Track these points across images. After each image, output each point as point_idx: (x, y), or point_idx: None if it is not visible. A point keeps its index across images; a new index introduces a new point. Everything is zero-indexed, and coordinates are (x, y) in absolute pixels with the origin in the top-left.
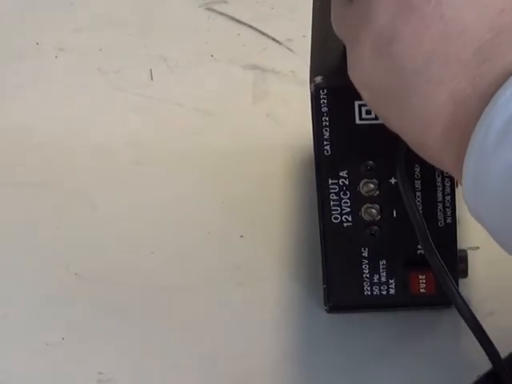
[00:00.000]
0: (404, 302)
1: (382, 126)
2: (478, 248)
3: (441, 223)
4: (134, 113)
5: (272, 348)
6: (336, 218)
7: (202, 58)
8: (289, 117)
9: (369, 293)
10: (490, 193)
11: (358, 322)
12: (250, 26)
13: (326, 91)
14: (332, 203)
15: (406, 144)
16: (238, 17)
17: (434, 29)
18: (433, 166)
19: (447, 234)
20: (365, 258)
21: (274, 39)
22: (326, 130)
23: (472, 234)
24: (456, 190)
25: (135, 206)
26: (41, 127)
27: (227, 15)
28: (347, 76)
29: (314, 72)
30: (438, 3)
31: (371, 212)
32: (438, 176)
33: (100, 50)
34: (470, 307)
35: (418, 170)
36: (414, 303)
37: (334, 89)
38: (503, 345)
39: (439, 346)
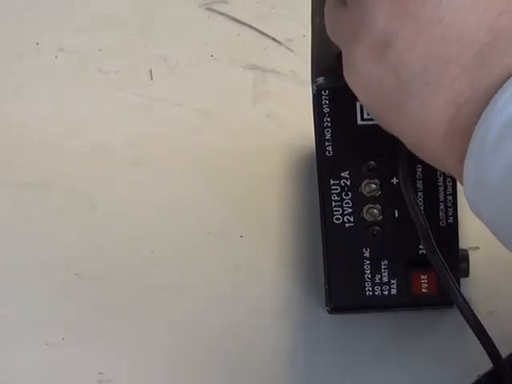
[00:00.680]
0: (406, 302)
1: None
2: (477, 248)
3: (442, 223)
4: (134, 113)
5: (273, 348)
6: (338, 219)
7: (202, 58)
8: (289, 117)
9: (370, 293)
10: (489, 191)
11: (359, 322)
12: (250, 26)
13: (327, 92)
14: (334, 204)
15: None
16: (238, 17)
17: (432, 32)
18: None
19: (449, 233)
20: (366, 258)
21: (274, 39)
22: (328, 131)
23: (472, 234)
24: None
25: (135, 206)
26: (41, 127)
27: (227, 15)
28: None
29: (315, 73)
30: (436, 7)
31: (373, 212)
32: (440, 176)
33: (100, 50)
34: (471, 307)
35: (420, 170)
36: (416, 303)
37: (335, 89)
38: (504, 344)
39: (440, 346)
